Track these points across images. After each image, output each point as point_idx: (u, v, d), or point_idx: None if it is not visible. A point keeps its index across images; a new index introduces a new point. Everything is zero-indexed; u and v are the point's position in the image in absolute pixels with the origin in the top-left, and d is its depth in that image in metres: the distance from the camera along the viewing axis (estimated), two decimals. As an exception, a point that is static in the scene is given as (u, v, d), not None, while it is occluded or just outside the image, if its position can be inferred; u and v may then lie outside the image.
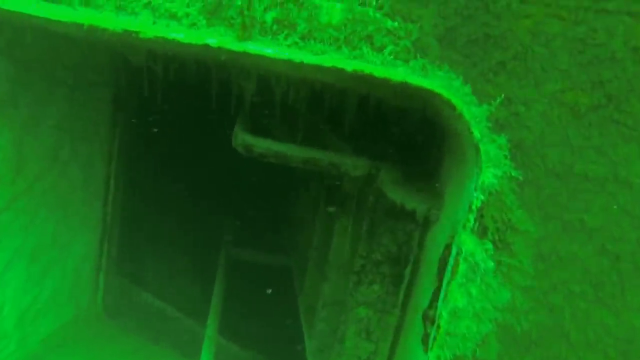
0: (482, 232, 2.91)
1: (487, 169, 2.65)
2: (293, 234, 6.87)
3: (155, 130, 5.77)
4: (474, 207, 2.69)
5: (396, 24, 2.74)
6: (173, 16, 2.87)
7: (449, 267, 2.96)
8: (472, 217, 2.74)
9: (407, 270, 4.27)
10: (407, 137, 4.40)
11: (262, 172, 7.28)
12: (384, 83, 2.59)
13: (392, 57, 2.74)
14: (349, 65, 2.61)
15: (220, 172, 7.13)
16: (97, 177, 5.12)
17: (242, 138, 4.02)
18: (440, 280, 3.14)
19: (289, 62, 2.67)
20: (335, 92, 4.02)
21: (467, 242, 2.79)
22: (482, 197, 2.68)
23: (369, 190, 4.33)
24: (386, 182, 4.03)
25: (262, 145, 3.96)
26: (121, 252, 5.71)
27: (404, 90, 2.69)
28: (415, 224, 4.00)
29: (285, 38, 2.78)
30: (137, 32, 2.75)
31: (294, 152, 3.96)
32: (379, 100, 3.61)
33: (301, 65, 2.66)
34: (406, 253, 4.30)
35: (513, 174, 2.77)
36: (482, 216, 2.80)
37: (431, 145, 4.07)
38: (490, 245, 2.85)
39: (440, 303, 3.07)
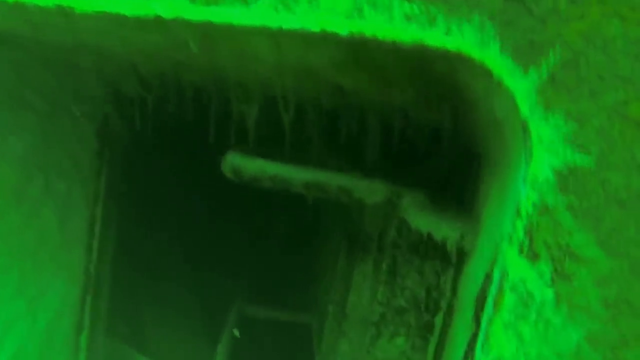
0: (533, 254, 2.11)
1: (539, 158, 1.91)
2: (313, 289, 6.17)
3: (151, 169, 5.14)
4: (522, 212, 1.92)
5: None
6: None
7: (490, 302, 2.16)
8: (520, 227, 1.96)
9: (438, 319, 3.46)
10: (433, 157, 3.66)
11: (280, 221, 6.62)
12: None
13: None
14: (344, 27, 1.92)
15: (230, 220, 6.44)
16: (77, 219, 4.44)
17: (230, 161, 3.35)
18: (479, 321, 2.33)
19: (264, 32, 1.99)
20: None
21: (515, 264, 2.00)
22: (533, 197, 1.92)
23: (388, 222, 3.58)
24: (409, 210, 3.27)
25: (253, 166, 3.27)
26: (113, 308, 4.96)
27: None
28: (446, 259, 3.20)
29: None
30: (71, 8, 2.15)
31: (294, 174, 3.25)
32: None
33: (280, 34, 1.98)
34: (436, 297, 3.51)
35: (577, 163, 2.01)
36: (532, 230, 2.02)
37: (460, 161, 3.31)
38: (546, 269, 2.05)
39: (478, 352, 2.26)
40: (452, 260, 3.30)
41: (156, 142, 4.81)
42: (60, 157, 4.23)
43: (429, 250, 3.39)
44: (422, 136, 3.53)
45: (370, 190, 3.27)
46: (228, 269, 6.47)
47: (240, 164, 3.27)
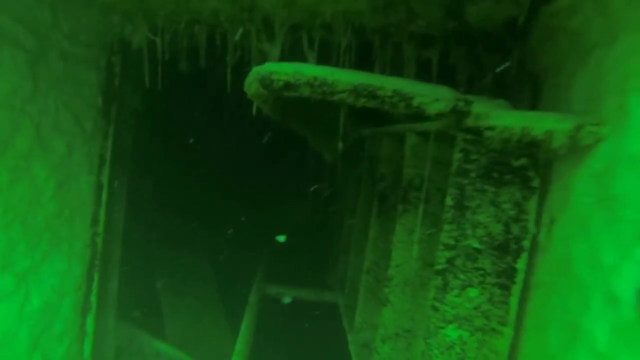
0: None
1: None
2: (339, 265, 5.17)
3: (163, 132, 4.18)
4: None
5: None
6: None
7: None
8: None
9: (521, 262, 2.48)
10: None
11: (301, 193, 5.66)
12: None
13: None
14: None
15: (251, 194, 5.46)
16: (80, 184, 3.46)
17: (257, 70, 2.42)
18: None
19: None
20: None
21: None
22: None
23: (452, 140, 2.68)
24: (485, 114, 2.32)
25: (288, 70, 2.32)
26: (124, 287, 3.93)
27: None
28: (527, 183, 2.29)
29: None
30: None
31: (338, 76, 2.30)
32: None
33: None
34: (518, 234, 2.53)
35: None
36: None
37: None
38: None
39: None
40: (535, 183, 2.36)
41: (168, 100, 3.87)
42: (55, 109, 3.30)
43: (507, 173, 2.41)
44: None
45: (433, 95, 2.30)
46: (247, 245, 5.45)
47: (272, 69, 2.31)
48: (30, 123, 3.17)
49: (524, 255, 2.43)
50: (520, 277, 2.45)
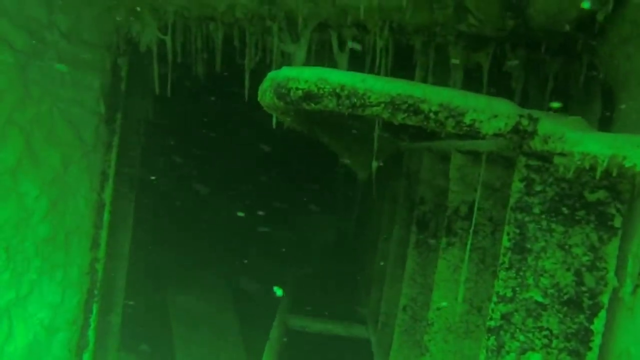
0: None
1: None
2: (372, 296, 4.81)
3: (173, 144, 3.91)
4: None
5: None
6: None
7: None
8: None
9: (598, 323, 2.02)
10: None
11: (330, 211, 5.34)
12: None
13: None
14: None
15: (274, 211, 5.17)
16: (78, 203, 3.20)
17: (273, 77, 2.09)
18: None
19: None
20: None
21: None
22: None
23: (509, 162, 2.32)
24: (556, 135, 1.94)
25: (310, 76, 1.98)
26: (129, 319, 3.64)
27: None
28: (606, 223, 1.92)
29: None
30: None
31: (372, 85, 1.94)
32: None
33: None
34: (594, 287, 2.12)
35: None
36: None
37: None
38: None
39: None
40: (616, 222, 1.95)
41: (181, 108, 3.59)
42: (50, 117, 3.04)
43: (580, 209, 2.01)
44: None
45: (490, 110, 1.92)
46: (270, 267, 5.12)
47: (290, 75, 1.97)
48: (18, 133, 2.93)
49: (602, 314, 2.02)
50: (596, 341, 2.03)
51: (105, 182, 3.34)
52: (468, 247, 2.76)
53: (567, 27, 2.24)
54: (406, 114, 1.98)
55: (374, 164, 3.36)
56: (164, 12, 3.18)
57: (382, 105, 1.97)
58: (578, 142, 1.76)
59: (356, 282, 5.02)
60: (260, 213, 5.13)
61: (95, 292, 3.30)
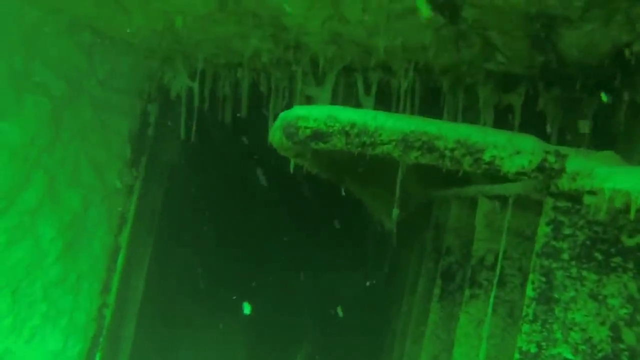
0: None
1: None
2: (394, 355, 4.54)
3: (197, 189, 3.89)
4: None
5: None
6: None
7: None
8: None
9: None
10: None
11: (355, 265, 5.18)
12: None
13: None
14: None
15: (296, 264, 5.02)
16: (94, 245, 3.20)
17: (283, 117, 2.06)
18: None
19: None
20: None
21: None
22: None
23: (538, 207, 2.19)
24: (586, 174, 1.84)
25: (319, 114, 1.95)
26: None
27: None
28: None
29: None
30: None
31: (384, 122, 1.88)
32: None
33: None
34: (634, 344, 1.93)
35: None
36: None
37: None
38: None
39: None
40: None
41: (205, 154, 3.60)
42: (75, 160, 3.10)
43: (615, 255, 1.85)
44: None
45: (512, 147, 1.82)
46: (288, 321, 4.93)
47: (299, 114, 1.93)
48: (43, 175, 3.01)
49: (644, 377, 1.81)
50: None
51: (123, 225, 3.34)
52: (492, 299, 2.58)
53: (602, 62, 2.14)
54: (419, 152, 1.90)
55: (395, 212, 3.24)
56: (194, 60, 3.26)
57: (394, 143, 1.90)
58: (607, 177, 1.63)
59: (382, 340, 4.78)
60: (282, 262, 5.03)
61: (101, 339, 3.23)
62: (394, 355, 4.60)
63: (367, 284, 5.40)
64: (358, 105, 3.13)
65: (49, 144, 3.00)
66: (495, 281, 2.60)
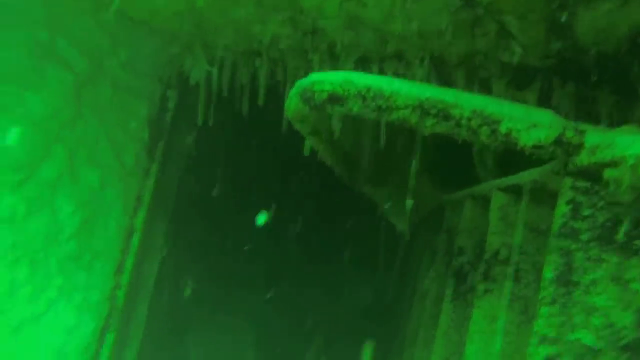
0: None
1: None
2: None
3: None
4: None
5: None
6: None
7: None
8: None
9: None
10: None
11: (365, 268, 5.02)
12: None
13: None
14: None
15: (306, 260, 4.89)
16: (109, 225, 3.12)
17: (300, 84, 1.98)
18: None
19: None
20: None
21: None
22: None
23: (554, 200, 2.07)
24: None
25: (336, 79, 1.86)
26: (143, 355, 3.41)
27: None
28: None
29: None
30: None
31: (400, 88, 1.79)
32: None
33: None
34: None
35: None
36: None
37: None
38: None
39: None
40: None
41: (220, 142, 3.53)
42: (95, 138, 3.03)
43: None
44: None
45: (530, 119, 1.71)
46: (296, 325, 4.77)
47: (316, 79, 1.85)
48: (63, 150, 2.93)
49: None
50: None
51: (138, 207, 3.26)
52: (507, 294, 2.43)
53: (619, 49, 2.02)
54: (435, 120, 1.79)
55: (410, 210, 3.12)
56: (214, 47, 3.21)
57: (410, 108, 1.79)
58: (630, 145, 1.49)
59: (391, 345, 4.60)
60: (293, 257, 4.89)
61: (112, 320, 3.12)
62: (403, 359, 4.41)
63: (377, 288, 5.24)
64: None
65: (70, 120, 2.94)
66: (511, 275, 2.45)
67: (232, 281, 4.65)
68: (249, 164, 4.37)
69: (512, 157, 2.69)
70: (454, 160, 3.60)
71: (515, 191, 2.53)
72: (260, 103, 3.34)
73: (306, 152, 2.86)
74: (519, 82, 2.57)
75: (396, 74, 2.90)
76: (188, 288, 3.93)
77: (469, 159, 3.47)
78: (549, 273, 1.79)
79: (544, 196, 2.33)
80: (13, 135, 2.68)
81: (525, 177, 2.28)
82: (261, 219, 4.37)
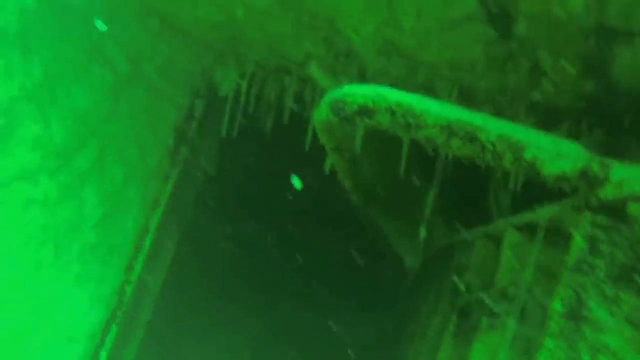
0: None
1: None
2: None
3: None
4: None
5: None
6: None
7: None
8: None
9: None
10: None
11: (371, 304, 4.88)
12: None
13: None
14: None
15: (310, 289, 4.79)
16: (126, 221, 3.12)
17: (331, 95, 2.00)
18: None
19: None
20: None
21: None
22: None
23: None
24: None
25: (366, 92, 1.86)
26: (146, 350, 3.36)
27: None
28: None
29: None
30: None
31: (429, 106, 1.79)
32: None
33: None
34: None
35: None
36: None
37: None
38: None
39: None
40: None
41: (242, 155, 3.53)
42: (124, 137, 3.05)
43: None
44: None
45: (555, 150, 1.68)
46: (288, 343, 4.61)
47: (347, 91, 1.85)
48: (96, 144, 2.97)
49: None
50: None
51: (155, 209, 3.24)
52: (510, 332, 2.34)
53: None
54: (462, 142, 1.76)
55: (423, 232, 3.05)
56: (245, 61, 3.25)
57: (438, 128, 1.78)
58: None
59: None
60: (297, 284, 4.76)
61: (118, 313, 3.07)
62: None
63: (379, 326, 5.08)
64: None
65: (106, 116, 2.99)
66: (517, 313, 2.37)
67: (235, 297, 4.55)
68: (268, 181, 4.33)
69: (528, 197, 2.65)
70: (469, 198, 3.55)
71: (529, 230, 2.47)
72: (285, 121, 3.35)
73: (327, 169, 2.83)
74: (547, 122, 2.53)
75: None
76: (195, 295, 3.86)
77: (483, 198, 3.42)
78: (558, 306, 1.72)
79: (558, 238, 2.27)
80: (59, 124, 2.75)
81: (542, 213, 2.23)
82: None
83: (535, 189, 2.18)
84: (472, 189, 3.29)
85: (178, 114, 3.36)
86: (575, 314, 1.68)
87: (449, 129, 1.75)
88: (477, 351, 2.49)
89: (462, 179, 2.99)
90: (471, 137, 1.74)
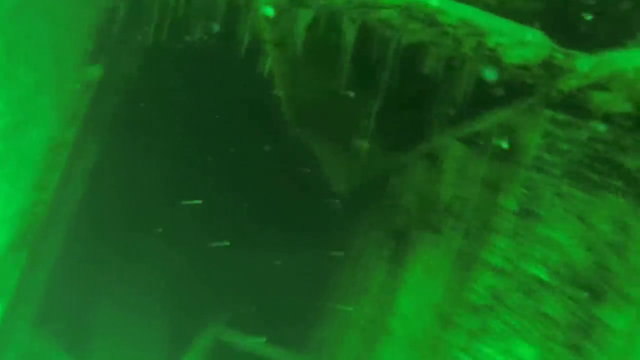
0: None
1: None
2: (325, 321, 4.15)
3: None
4: None
5: None
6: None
7: None
8: None
9: (622, 320, 1.50)
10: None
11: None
12: None
13: None
14: None
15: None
16: (34, 134, 2.69)
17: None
18: None
19: None
20: None
21: None
22: None
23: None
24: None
25: None
26: (53, 285, 3.01)
27: None
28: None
29: None
30: None
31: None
32: None
33: None
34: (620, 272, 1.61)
35: None
36: None
37: None
38: None
39: None
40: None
41: (167, 65, 3.16)
42: (37, 38, 2.61)
43: (614, 177, 1.57)
44: None
45: (518, 36, 1.51)
46: (211, 277, 4.37)
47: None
48: (1, 42, 2.47)
49: (629, 311, 1.49)
50: (618, 342, 1.49)
51: (72, 121, 2.83)
52: (455, 249, 2.24)
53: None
54: (421, 25, 1.57)
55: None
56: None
57: (397, 9, 1.57)
58: (632, 58, 1.33)
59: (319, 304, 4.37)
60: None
61: (30, 236, 2.70)
62: (324, 321, 4.19)
63: (308, 255, 4.95)
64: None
65: (13, 11, 2.52)
66: (461, 230, 2.27)
67: (158, 218, 4.21)
68: (194, 95, 3.93)
69: (473, 109, 2.51)
70: (408, 115, 3.39)
71: (474, 142, 2.36)
72: (217, 29, 2.99)
73: (265, 72, 2.54)
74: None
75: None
76: (114, 219, 3.51)
77: (424, 112, 3.26)
78: (510, 203, 1.62)
79: (505, 154, 2.16)
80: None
81: (490, 119, 2.11)
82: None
83: (480, 100, 2.05)
84: (412, 104, 3.12)
85: (98, 15, 2.89)
86: (527, 210, 1.59)
87: (407, 10, 1.54)
88: (413, 273, 2.40)
89: (402, 93, 2.81)
90: (431, 21, 1.54)
